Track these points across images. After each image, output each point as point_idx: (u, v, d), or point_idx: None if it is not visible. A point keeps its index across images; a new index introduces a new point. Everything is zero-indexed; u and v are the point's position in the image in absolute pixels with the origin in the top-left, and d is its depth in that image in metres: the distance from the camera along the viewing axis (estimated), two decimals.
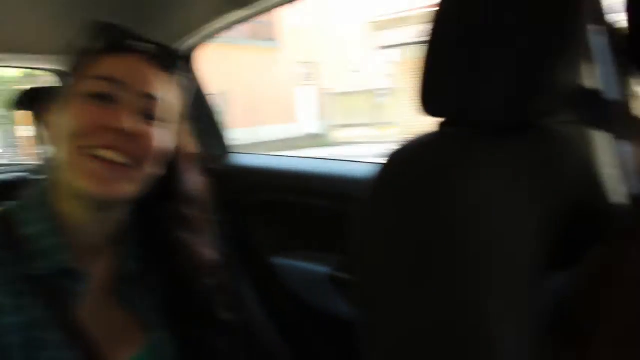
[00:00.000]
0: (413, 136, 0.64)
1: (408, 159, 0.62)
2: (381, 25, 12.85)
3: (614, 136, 0.78)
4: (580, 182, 0.71)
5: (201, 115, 1.78)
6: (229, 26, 1.50)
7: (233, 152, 1.84)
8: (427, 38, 0.65)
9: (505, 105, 0.62)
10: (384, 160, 0.62)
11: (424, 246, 0.56)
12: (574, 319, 0.51)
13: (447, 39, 0.64)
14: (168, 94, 0.93)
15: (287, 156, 1.80)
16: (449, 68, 0.64)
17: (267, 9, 1.35)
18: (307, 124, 16.35)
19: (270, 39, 16.83)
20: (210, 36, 1.59)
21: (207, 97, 1.80)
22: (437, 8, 0.64)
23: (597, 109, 0.78)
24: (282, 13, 16.31)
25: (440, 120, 0.67)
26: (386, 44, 12.64)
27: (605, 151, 0.79)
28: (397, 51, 12.30)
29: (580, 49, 0.64)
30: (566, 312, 0.53)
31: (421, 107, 0.66)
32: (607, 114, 0.77)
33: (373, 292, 0.59)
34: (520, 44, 0.61)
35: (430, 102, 0.66)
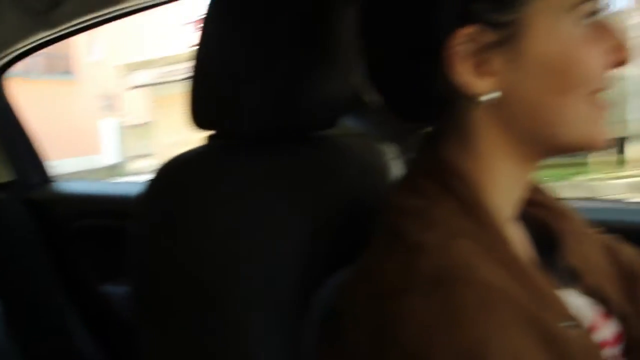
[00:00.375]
0: (184, 150, 0.66)
1: (169, 175, 0.64)
2: (134, 67, 13.60)
3: (393, 143, 0.85)
4: (360, 188, 0.75)
5: (16, 140, 1.69)
6: (34, 49, 1.44)
7: (54, 180, 1.75)
8: (195, 53, 0.67)
9: (270, 118, 0.65)
10: (152, 176, 0.63)
11: (180, 266, 0.58)
12: (336, 315, 0.55)
13: (213, 53, 0.66)
14: None
15: (110, 182, 1.76)
16: (215, 82, 0.66)
17: (73, 32, 1.32)
18: (109, 156, 16.44)
19: (67, 72, 16.77)
20: (17, 58, 1.51)
21: (21, 123, 1.70)
22: (203, 25, 0.66)
23: (375, 119, 0.84)
24: (79, 46, 16.35)
25: (209, 133, 0.69)
26: (139, 83, 13.52)
27: (387, 159, 0.85)
28: (150, 88, 13.07)
29: (347, 61, 0.68)
30: (333, 309, 0.57)
31: (191, 121, 0.68)
32: (384, 123, 0.83)
33: (142, 311, 0.61)
34: (286, 58, 0.65)
35: (198, 116, 0.68)
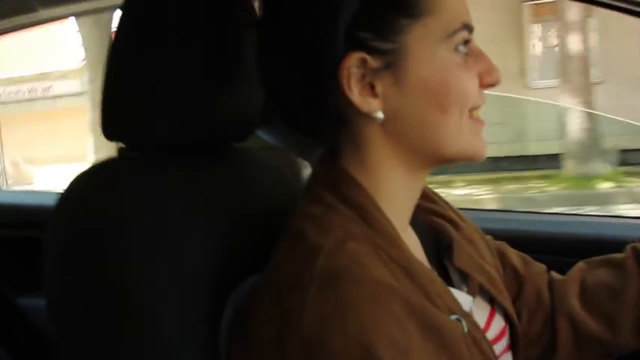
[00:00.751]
0: (96, 163, 0.68)
1: (81, 186, 0.66)
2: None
3: (303, 155, 0.90)
4: (273, 197, 0.79)
5: None
6: None
7: None
8: (106, 65, 0.69)
9: (180, 130, 0.68)
10: (66, 187, 0.65)
11: (93, 274, 0.60)
12: (245, 315, 0.60)
13: (124, 66, 0.69)
14: None
15: (23, 192, 1.72)
16: (126, 95, 0.68)
17: None
18: None
19: None
20: None
21: None
22: (115, 39, 0.69)
23: (287, 132, 0.89)
24: None
25: (121, 145, 0.71)
26: None
27: (298, 169, 0.91)
28: None
29: (254, 76, 0.70)
30: (243, 310, 0.61)
31: (104, 132, 0.70)
32: (294, 136, 0.87)
33: (60, 322, 0.63)
34: (196, 72, 0.68)
35: (109, 127, 0.70)
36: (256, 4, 0.73)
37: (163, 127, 0.68)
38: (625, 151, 7.54)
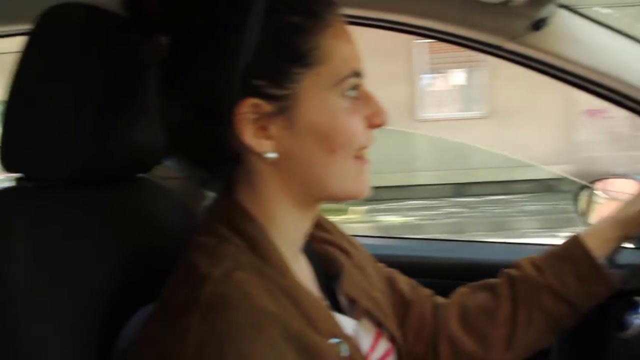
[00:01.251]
0: None
1: None
2: None
3: (205, 187, 0.93)
4: (176, 227, 0.82)
5: None
6: None
7: None
8: (8, 94, 0.70)
9: (80, 161, 0.70)
10: None
11: None
12: (135, 341, 0.62)
13: (23, 97, 0.70)
14: None
15: None
16: (26, 125, 0.70)
17: None
18: None
19: None
20: None
21: None
22: (16, 69, 0.70)
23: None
24: None
25: (19, 175, 0.72)
26: None
27: (201, 200, 0.94)
28: None
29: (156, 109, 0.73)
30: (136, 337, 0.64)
31: (2, 162, 0.71)
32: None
33: None
34: (97, 105, 0.70)
35: (7, 158, 0.71)
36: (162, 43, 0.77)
37: (60, 160, 0.69)
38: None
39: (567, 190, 7.84)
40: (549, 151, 8.25)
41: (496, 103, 8.52)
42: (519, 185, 8.27)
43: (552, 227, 6.04)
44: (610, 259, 0.86)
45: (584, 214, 1.14)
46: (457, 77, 9.30)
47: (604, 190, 1.13)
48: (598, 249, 0.83)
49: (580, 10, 0.97)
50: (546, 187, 8.19)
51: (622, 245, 0.86)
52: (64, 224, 0.68)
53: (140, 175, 0.84)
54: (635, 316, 0.80)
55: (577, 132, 8.38)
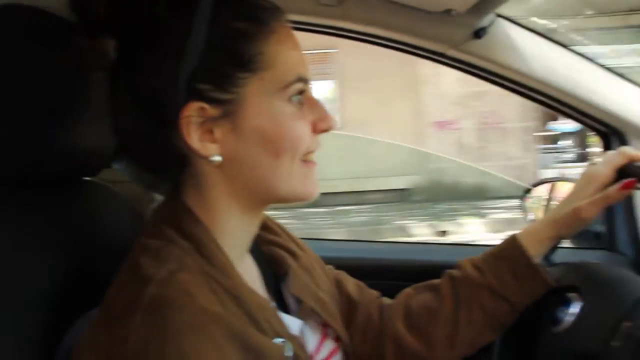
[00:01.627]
0: None
1: None
2: None
3: (155, 190, 0.93)
4: (124, 230, 0.81)
5: None
6: None
7: None
8: None
9: (21, 162, 0.70)
10: None
11: None
12: (79, 345, 0.62)
13: None
14: None
15: None
16: None
17: None
18: None
19: None
20: None
21: None
22: None
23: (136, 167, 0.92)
24: None
25: None
26: None
27: (150, 203, 0.94)
28: None
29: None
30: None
31: None
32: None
33: None
34: (38, 110, 0.70)
35: None
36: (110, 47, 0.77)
37: (1, 161, 0.69)
38: None
39: (415, 200, 8.16)
40: (398, 162, 8.38)
41: (347, 115, 8.45)
42: (371, 195, 8.40)
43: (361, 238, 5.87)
44: (546, 258, 0.90)
45: (528, 215, 1.21)
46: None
47: (546, 193, 1.20)
48: (534, 249, 0.87)
49: (519, 20, 1.02)
50: (398, 197, 8.38)
51: (557, 244, 0.90)
52: (4, 225, 0.67)
53: (87, 178, 0.84)
54: (566, 312, 0.84)
55: (426, 143, 8.48)
